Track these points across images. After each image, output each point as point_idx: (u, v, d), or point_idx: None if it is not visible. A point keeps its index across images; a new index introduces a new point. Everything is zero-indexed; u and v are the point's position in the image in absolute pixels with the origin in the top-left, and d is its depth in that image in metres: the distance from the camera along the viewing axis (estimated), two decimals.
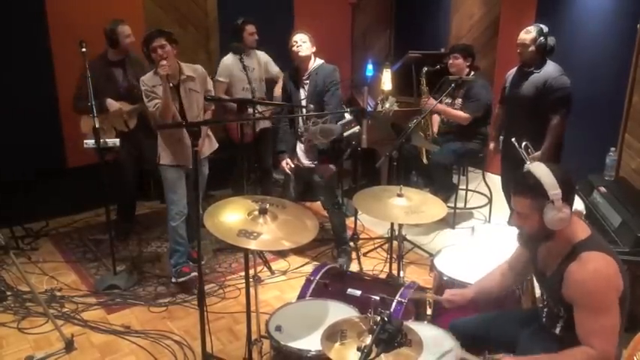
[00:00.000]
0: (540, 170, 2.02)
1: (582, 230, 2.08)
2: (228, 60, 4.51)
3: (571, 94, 3.71)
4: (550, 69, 3.75)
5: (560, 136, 3.80)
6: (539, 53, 3.74)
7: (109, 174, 3.75)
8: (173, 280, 3.80)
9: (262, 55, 4.66)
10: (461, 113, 4.49)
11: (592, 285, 1.95)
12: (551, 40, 3.74)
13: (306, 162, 3.94)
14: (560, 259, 2.08)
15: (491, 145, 4.39)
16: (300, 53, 3.76)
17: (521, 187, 2.06)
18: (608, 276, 1.96)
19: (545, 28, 3.73)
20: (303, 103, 3.84)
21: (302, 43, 3.76)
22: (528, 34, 3.72)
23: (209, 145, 3.85)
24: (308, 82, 3.85)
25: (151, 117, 3.85)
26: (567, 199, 2.00)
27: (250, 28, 4.56)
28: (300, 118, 3.88)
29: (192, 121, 3.54)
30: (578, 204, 3.44)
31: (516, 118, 3.94)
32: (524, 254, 2.35)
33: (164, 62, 3.38)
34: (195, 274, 3.67)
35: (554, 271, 2.12)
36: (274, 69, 4.70)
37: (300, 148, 3.95)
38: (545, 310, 2.25)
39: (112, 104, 4.09)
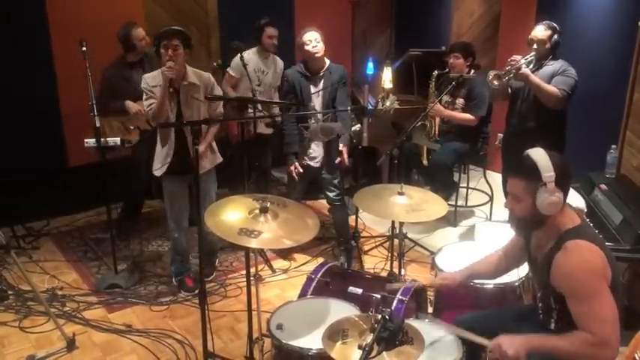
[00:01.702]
0: (538, 154, 2.05)
1: (571, 219, 2.10)
2: (248, 56, 4.44)
3: (576, 86, 3.73)
4: (562, 62, 3.79)
5: (554, 116, 3.79)
6: (553, 50, 3.79)
7: (119, 172, 3.75)
8: (174, 282, 3.83)
9: (280, 64, 4.61)
10: (468, 116, 4.46)
11: (578, 274, 1.96)
12: (560, 37, 3.79)
13: (313, 162, 3.94)
14: (548, 248, 2.10)
15: None
16: (317, 54, 3.75)
17: (517, 168, 2.11)
18: (592, 264, 1.97)
19: (557, 26, 3.77)
20: (318, 101, 3.83)
21: (317, 43, 3.73)
22: (546, 31, 3.75)
23: (211, 158, 3.65)
24: (322, 80, 3.84)
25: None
26: (561, 185, 2.02)
27: (270, 31, 4.51)
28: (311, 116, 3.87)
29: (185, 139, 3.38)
30: (579, 202, 3.45)
31: (522, 113, 3.93)
32: (519, 242, 2.38)
33: (171, 64, 3.24)
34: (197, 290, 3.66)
35: (542, 259, 2.14)
36: (278, 82, 4.63)
37: (309, 148, 3.93)
38: (540, 304, 2.26)
39: (132, 106, 4.12)
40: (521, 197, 2.08)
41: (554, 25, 3.78)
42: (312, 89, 3.86)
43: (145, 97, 3.41)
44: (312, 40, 3.73)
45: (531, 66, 3.78)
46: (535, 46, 3.78)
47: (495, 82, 3.79)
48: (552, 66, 3.78)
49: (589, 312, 1.97)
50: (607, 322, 1.94)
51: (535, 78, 3.70)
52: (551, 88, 3.69)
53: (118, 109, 4.13)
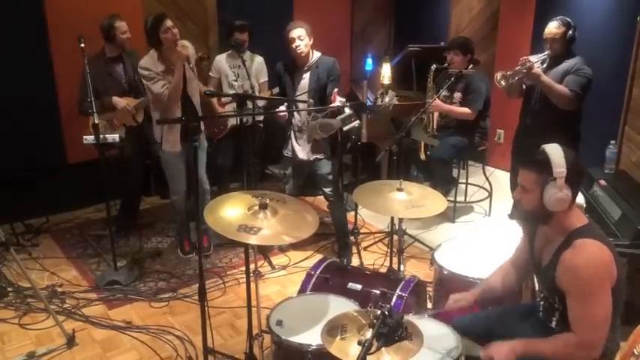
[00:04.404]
0: (552, 149, 2.04)
1: (579, 219, 2.10)
2: (220, 57, 4.55)
3: (590, 85, 3.68)
4: (577, 60, 3.74)
5: (567, 113, 3.73)
6: (568, 46, 3.74)
7: (114, 169, 3.76)
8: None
9: (257, 58, 4.57)
10: (466, 110, 4.46)
11: (584, 272, 1.96)
12: (575, 32, 3.74)
13: (303, 156, 3.94)
14: (556, 247, 2.10)
15: None
16: (302, 54, 3.75)
17: (530, 160, 2.10)
18: (601, 263, 1.97)
19: (572, 21, 3.71)
20: (303, 97, 3.83)
21: (300, 42, 3.72)
22: (559, 28, 3.69)
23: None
24: (308, 75, 3.83)
25: (155, 101, 3.81)
26: (571, 182, 2.01)
27: (238, 35, 4.47)
28: (299, 112, 3.87)
29: (193, 109, 3.72)
30: (578, 197, 3.44)
31: (536, 110, 3.90)
32: (525, 250, 2.36)
33: (184, 42, 3.55)
34: (191, 255, 4.18)
35: (549, 259, 2.13)
36: (262, 79, 4.59)
37: (296, 142, 3.94)
38: (542, 303, 2.26)
39: (119, 102, 4.10)
40: (529, 189, 2.08)
41: (569, 20, 3.71)
42: (295, 85, 3.86)
43: (151, 81, 3.63)
44: (296, 39, 3.73)
45: (545, 65, 3.72)
46: (548, 45, 3.72)
47: (503, 83, 3.75)
48: (567, 64, 3.71)
49: (582, 313, 1.98)
50: (595, 326, 1.95)
51: (546, 78, 3.65)
52: (561, 88, 3.63)
53: (103, 105, 4.06)
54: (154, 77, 3.62)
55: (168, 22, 3.57)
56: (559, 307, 2.14)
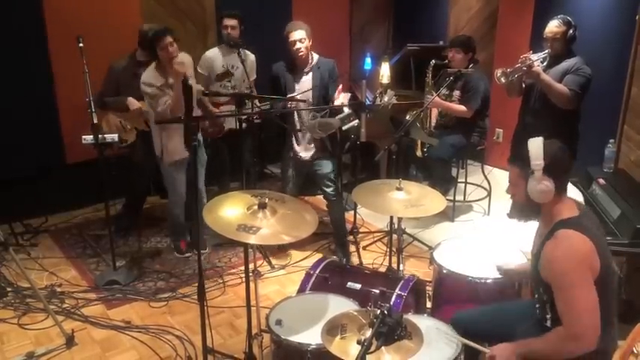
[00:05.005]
0: (533, 142, 2.08)
1: (569, 210, 2.10)
2: (211, 53, 4.44)
3: (589, 84, 3.69)
4: (577, 60, 3.75)
5: (566, 112, 3.75)
6: (569, 45, 3.76)
7: (113, 169, 3.76)
8: (171, 244, 4.28)
9: (251, 57, 4.46)
10: (462, 108, 4.47)
11: (561, 263, 1.97)
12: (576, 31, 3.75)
13: (304, 156, 3.94)
14: (543, 238, 2.11)
15: None
16: (302, 56, 3.77)
17: (514, 156, 2.18)
18: (579, 255, 1.97)
19: (572, 20, 3.73)
20: (303, 97, 3.83)
21: (301, 45, 3.73)
22: (560, 27, 3.70)
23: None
24: (310, 76, 3.84)
25: (155, 116, 3.77)
26: (552, 174, 2.03)
27: (227, 21, 4.35)
28: (300, 111, 3.87)
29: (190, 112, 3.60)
30: (577, 196, 3.45)
31: (535, 109, 3.91)
32: None
33: (180, 60, 3.52)
34: (189, 254, 4.19)
35: (536, 250, 2.15)
36: (251, 77, 4.39)
37: (297, 142, 3.94)
38: (536, 296, 2.26)
39: (133, 103, 4.09)
40: (516, 184, 2.14)
41: (569, 19, 3.72)
42: (296, 86, 3.85)
43: (153, 99, 3.63)
44: (297, 42, 3.73)
45: (545, 63, 3.74)
46: (549, 43, 3.74)
47: (502, 80, 3.76)
48: (567, 63, 3.73)
49: (566, 303, 1.98)
50: (579, 317, 1.95)
51: (546, 77, 3.66)
52: (561, 87, 3.64)
53: (116, 105, 4.12)
54: (156, 94, 3.61)
55: (168, 39, 3.52)
56: (548, 300, 2.13)
